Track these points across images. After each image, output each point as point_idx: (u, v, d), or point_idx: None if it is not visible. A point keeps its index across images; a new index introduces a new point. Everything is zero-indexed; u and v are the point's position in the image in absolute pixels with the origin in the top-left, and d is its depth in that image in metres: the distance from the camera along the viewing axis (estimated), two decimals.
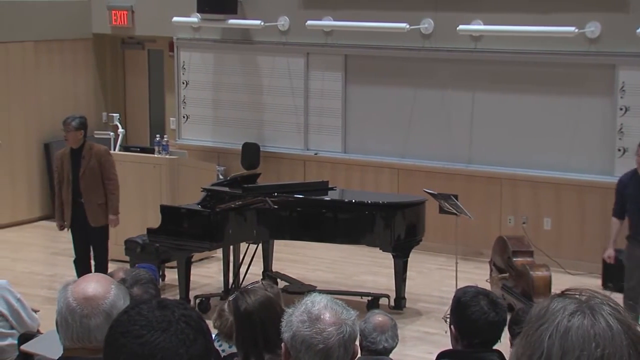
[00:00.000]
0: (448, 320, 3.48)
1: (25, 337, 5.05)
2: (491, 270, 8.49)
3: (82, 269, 7.95)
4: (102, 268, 7.92)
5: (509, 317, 3.61)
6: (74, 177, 7.93)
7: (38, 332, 5.41)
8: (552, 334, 1.41)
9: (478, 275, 8.60)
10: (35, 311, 5.73)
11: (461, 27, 9.68)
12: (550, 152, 9.59)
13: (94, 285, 2.37)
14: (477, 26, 9.73)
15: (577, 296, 1.46)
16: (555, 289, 7.66)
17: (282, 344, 2.41)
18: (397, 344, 4.30)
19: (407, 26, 9.89)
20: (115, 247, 9.12)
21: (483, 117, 9.92)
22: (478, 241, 9.73)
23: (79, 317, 2.31)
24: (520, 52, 9.57)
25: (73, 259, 8.21)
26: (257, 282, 3.83)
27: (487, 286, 7.63)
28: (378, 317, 4.31)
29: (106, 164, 7.99)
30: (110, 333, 1.78)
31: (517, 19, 9.52)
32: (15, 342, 5.28)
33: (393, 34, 10.10)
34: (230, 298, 3.82)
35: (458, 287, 3.67)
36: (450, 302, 3.39)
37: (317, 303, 2.38)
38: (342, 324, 2.35)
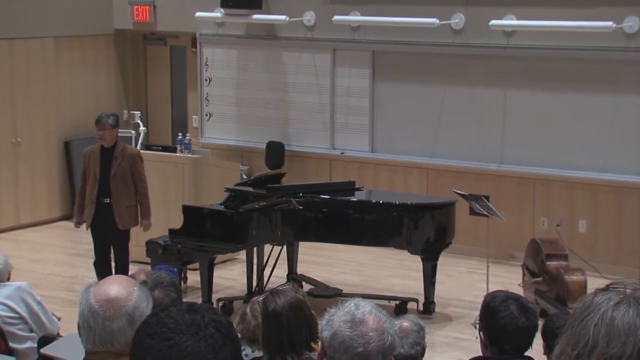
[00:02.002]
0: (478, 325, 3.48)
1: (45, 340, 5.11)
2: (524, 274, 8.46)
3: (102, 271, 8.00)
4: (123, 270, 7.98)
5: (541, 323, 3.60)
6: (102, 177, 7.98)
7: (58, 335, 5.47)
8: (597, 323, 1.48)
9: (510, 279, 8.57)
10: (57, 317, 5.79)
11: (493, 22, 9.65)
12: (586, 151, 9.53)
13: (116, 287, 2.40)
14: (510, 21, 9.70)
15: (621, 289, 1.53)
16: None
17: (319, 343, 2.43)
18: (418, 352, 4.29)
19: (437, 21, 9.88)
20: (136, 249, 9.19)
21: (515, 116, 9.88)
22: (510, 244, 9.70)
23: (102, 319, 2.34)
24: (555, 48, 9.53)
25: (93, 260, 8.27)
26: (286, 283, 3.88)
27: (520, 291, 7.61)
28: (403, 323, 4.32)
29: (138, 167, 8.06)
30: (138, 334, 1.81)
31: (551, 13, 9.47)
32: (35, 345, 5.35)
33: (422, 30, 10.09)
34: (257, 299, 3.86)
35: (489, 292, 3.68)
36: (480, 306, 3.40)
37: (361, 307, 2.41)
38: (385, 331, 2.38)
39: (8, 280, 5.58)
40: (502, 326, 3.25)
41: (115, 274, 7.62)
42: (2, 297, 5.43)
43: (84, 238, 8.79)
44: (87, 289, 2.43)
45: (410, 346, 4.19)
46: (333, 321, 2.40)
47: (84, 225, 8.21)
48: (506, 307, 3.27)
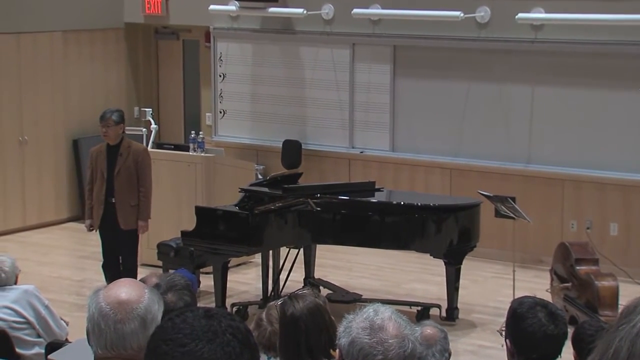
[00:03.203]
0: (504, 333, 3.47)
1: (52, 346, 5.14)
2: (552, 280, 8.43)
3: (111, 274, 8.01)
4: (130, 274, 7.91)
5: (571, 331, 3.59)
6: (108, 176, 8.00)
7: (66, 340, 5.50)
8: (623, 336, 1.43)
9: (537, 284, 8.55)
10: (65, 322, 5.82)
11: (520, 15, 9.62)
12: (618, 151, 9.49)
13: (127, 289, 2.42)
14: (538, 14, 9.67)
15: None
16: (623, 300, 7.58)
17: (337, 351, 2.44)
18: (446, 359, 4.29)
19: (462, 14, 9.86)
20: (148, 251, 9.23)
21: (544, 113, 9.85)
22: (537, 248, 9.67)
23: (113, 322, 2.35)
24: (585, 43, 9.48)
25: (101, 263, 8.30)
26: (305, 288, 3.89)
27: (548, 297, 7.59)
28: (427, 330, 4.31)
29: (143, 165, 8.04)
30: (153, 339, 1.81)
31: (582, 6, 9.43)
32: (43, 351, 5.38)
33: (446, 23, 10.07)
34: (273, 304, 3.87)
35: (515, 297, 3.66)
36: (506, 313, 3.39)
37: (380, 313, 2.41)
38: (405, 338, 2.37)
39: (15, 283, 5.61)
40: (529, 334, 3.23)
41: (122, 278, 7.63)
42: (8, 301, 5.47)
43: (93, 240, 8.83)
44: (96, 292, 2.44)
45: (440, 354, 4.18)
46: (351, 328, 2.40)
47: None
48: (534, 313, 3.25)
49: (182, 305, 3.60)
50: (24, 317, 5.45)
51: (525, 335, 3.25)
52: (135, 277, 7.78)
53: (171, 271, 7.30)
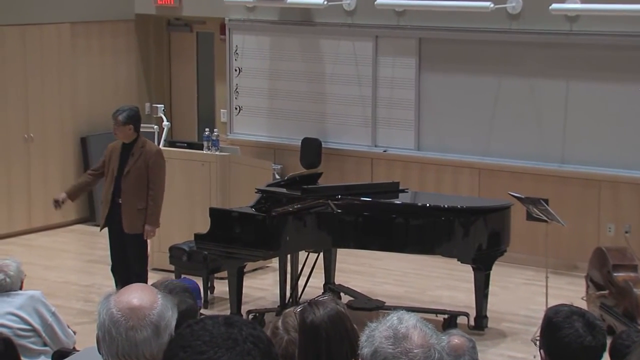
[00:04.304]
0: (537, 343, 3.45)
1: (59, 355, 5.16)
2: (587, 287, 8.39)
3: (120, 277, 8.03)
4: (139, 280, 7.94)
5: (608, 342, 3.56)
6: (118, 175, 8.03)
7: (74, 349, 5.51)
8: None
9: (572, 292, 8.53)
10: (73, 330, 5.83)
11: (554, 5, 9.59)
12: None
13: (139, 294, 2.42)
14: (573, 5, 9.63)
15: None
16: None
17: None
18: None
19: (492, 5, 9.83)
20: (159, 255, 9.26)
21: (579, 110, 9.81)
22: (572, 253, 9.63)
23: (125, 329, 2.35)
24: (624, 35, 9.44)
25: (110, 266, 8.33)
26: (325, 294, 3.89)
27: (583, 305, 7.54)
28: (455, 339, 4.29)
29: (154, 167, 8.01)
30: (170, 347, 1.82)
31: None
32: None
33: (475, 14, 10.05)
34: (292, 310, 3.86)
35: (548, 306, 3.64)
36: (540, 322, 3.37)
37: (404, 321, 2.40)
38: (431, 348, 2.36)
39: (20, 289, 5.63)
40: (565, 345, 3.21)
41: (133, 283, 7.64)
42: (13, 307, 5.49)
43: (101, 243, 8.87)
44: (106, 298, 2.45)
45: None
46: (374, 337, 2.39)
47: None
48: (570, 323, 3.23)
49: (184, 308, 3.62)
50: (29, 324, 5.47)
51: (560, 346, 3.23)
52: (145, 282, 7.79)
53: (183, 276, 7.34)
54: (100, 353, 2.43)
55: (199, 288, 4.55)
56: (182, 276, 8.16)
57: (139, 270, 8.13)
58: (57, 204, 8.38)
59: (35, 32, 11.19)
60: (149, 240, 8.23)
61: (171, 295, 3.66)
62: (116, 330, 2.35)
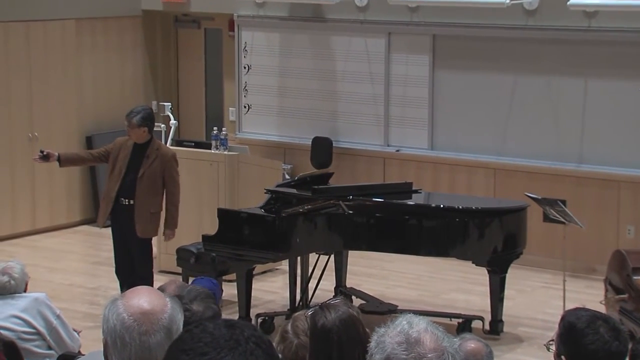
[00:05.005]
0: (551, 348, 3.42)
1: (64, 359, 5.16)
2: (606, 290, 8.36)
3: (124, 280, 8.05)
4: (145, 283, 7.93)
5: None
6: (127, 175, 8.03)
7: (79, 353, 5.52)
8: None
9: (590, 295, 8.50)
10: (77, 332, 5.84)
11: (572, 1, 9.56)
12: None
13: (148, 298, 2.42)
14: (592, 0, 9.59)
15: None
16: None
17: None
18: None
19: (508, 0, 9.81)
20: (166, 257, 9.26)
21: (597, 108, 9.78)
22: (590, 255, 9.60)
23: (138, 334, 2.35)
24: None
25: (114, 268, 8.33)
26: (336, 297, 3.88)
27: (601, 309, 7.51)
28: (470, 344, 4.27)
29: (171, 171, 8.11)
30: (171, 351, 1.82)
31: None
32: None
33: (490, 10, 10.03)
34: (302, 314, 3.85)
35: (566, 309, 3.62)
36: (557, 326, 3.34)
37: (415, 325, 2.39)
38: (444, 351, 2.36)
39: (25, 291, 5.64)
40: (591, 352, 3.18)
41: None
42: (18, 310, 5.49)
43: (107, 245, 8.87)
44: (114, 302, 2.44)
45: None
46: (385, 343, 2.38)
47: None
48: (595, 329, 3.20)
49: (210, 314, 3.63)
50: (34, 327, 5.48)
51: (586, 353, 3.20)
52: (151, 285, 7.79)
53: (191, 279, 7.33)
54: (107, 358, 2.43)
55: (218, 286, 4.53)
56: (193, 278, 8.16)
57: (144, 272, 8.15)
58: (42, 155, 8.21)
59: (40, 29, 11.21)
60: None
61: (196, 301, 3.67)
62: (129, 336, 2.36)
